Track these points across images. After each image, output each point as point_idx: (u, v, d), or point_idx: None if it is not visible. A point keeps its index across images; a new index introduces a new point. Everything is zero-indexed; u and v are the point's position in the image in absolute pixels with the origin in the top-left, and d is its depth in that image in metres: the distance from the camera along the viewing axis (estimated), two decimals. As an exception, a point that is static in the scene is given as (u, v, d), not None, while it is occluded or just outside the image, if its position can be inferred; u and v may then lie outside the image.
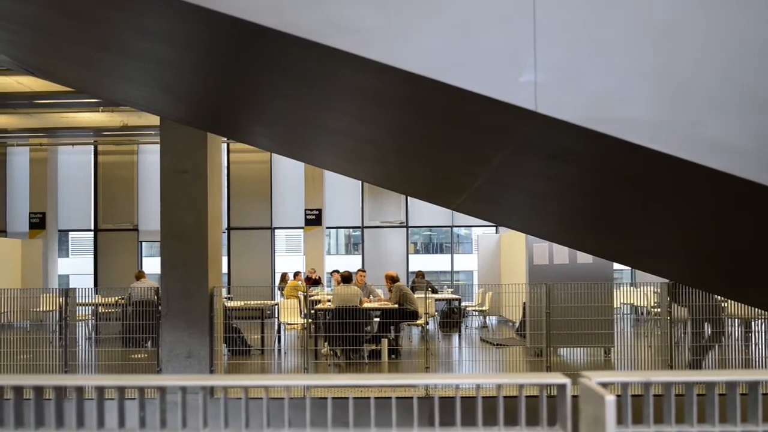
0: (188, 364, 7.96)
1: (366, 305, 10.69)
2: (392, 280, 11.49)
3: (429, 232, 22.38)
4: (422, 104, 2.04)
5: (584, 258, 10.84)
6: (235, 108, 3.12)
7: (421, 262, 20.29)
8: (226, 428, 1.74)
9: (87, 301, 13.13)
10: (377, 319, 10.92)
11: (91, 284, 18.78)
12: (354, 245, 22.49)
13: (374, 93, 2.12)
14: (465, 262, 21.39)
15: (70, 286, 19.58)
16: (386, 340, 10.34)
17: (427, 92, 1.87)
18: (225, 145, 18.15)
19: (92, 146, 19.19)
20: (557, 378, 1.35)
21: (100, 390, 1.72)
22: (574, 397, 1.61)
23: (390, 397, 1.81)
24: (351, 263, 19.82)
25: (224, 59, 2.44)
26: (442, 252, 22.47)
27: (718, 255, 2.86)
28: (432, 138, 2.54)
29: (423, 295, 10.75)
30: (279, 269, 19.15)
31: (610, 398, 1.16)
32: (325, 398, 1.76)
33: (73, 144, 18.83)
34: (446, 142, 2.54)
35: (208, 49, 2.42)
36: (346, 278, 11.04)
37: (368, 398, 1.78)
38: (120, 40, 2.89)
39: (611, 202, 2.56)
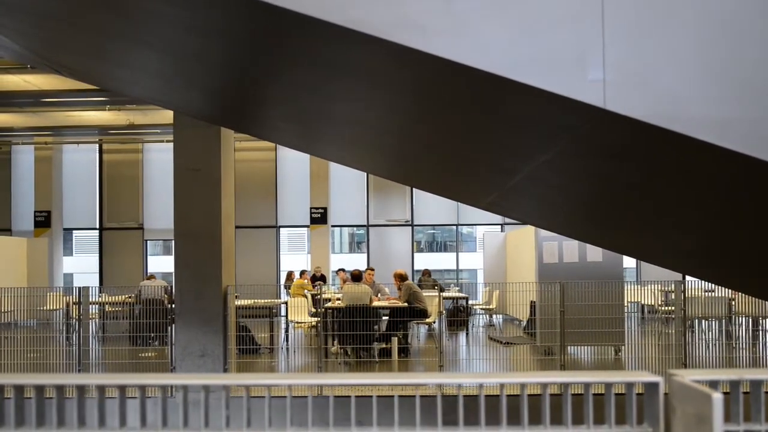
0: (202, 363, 7.95)
1: (375, 303, 10.69)
2: (401, 278, 11.49)
3: (432, 231, 22.37)
4: (484, 102, 2.04)
5: (594, 256, 10.84)
6: (276, 105, 3.12)
7: (425, 261, 20.29)
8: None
9: (93, 299, 13.11)
10: (386, 318, 10.92)
11: (96, 283, 18.76)
12: (357, 244, 22.48)
13: (435, 91, 2.11)
14: (469, 260, 21.39)
15: (75, 285, 19.61)
16: (396, 338, 10.33)
17: (493, 90, 1.86)
18: (230, 143, 18.12)
19: (97, 145, 19.17)
20: (647, 376, 1.34)
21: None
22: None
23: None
24: (355, 261, 19.83)
25: (271, 55, 2.43)
26: (445, 250, 22.47)
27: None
28: (482, 136, 2.53)
29: (435, 294, 10.74)
30: (283, 267, 19.15)
31: (718, 396, 1.15)
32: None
33: (78, 143, 18.81)
34: (496, 140, 2.53)
35: (258, 46, 2.42)
36: (356, 277, 11.04)
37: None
38: (160, 35, 2.88)
39: (663, 200, 2.55)
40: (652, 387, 1.34)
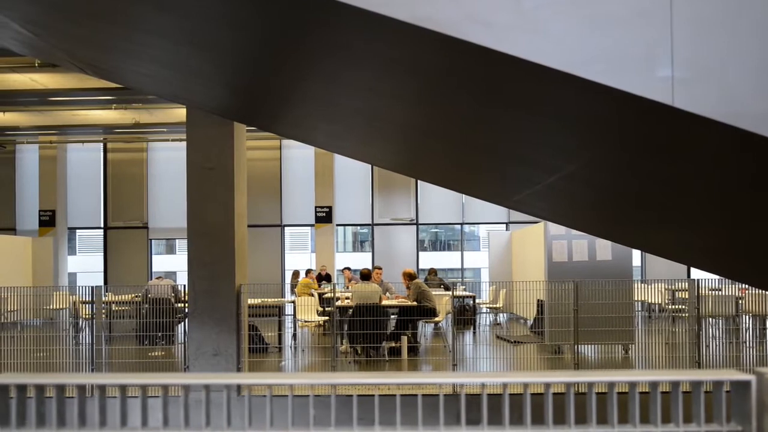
0: (215, 362, 7.93)
1: (385, 302, 10.70)
2: (410, 277, 11.50)
3: (436, 230, 22.36)
4: (547, 100, 2.03)
5: (603, 255, 10.85)
6: (318, 105, 3.11)
7: (430, 259, 20.29)
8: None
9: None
10: (394, 317, 10.92)
11: (100, 282, 18.73)
12: (361, 242, 22.48)
13: (503, 91, 2.11)
14: (472, 259, 21.39)
15: (78, 284, 19.57)
16: (406, 337, 10.33)
17: (559, 88, 1.85)
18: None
19: (102, 144, 19.14)
20: (739, 375, 1.34)
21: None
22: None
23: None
24: (359, 260, 19.83)
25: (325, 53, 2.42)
26: (449, 249, 22.46)
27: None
28: (534, 135, 2.53)
29: (448, 293, 10.74)
30: (287, 267, 19.14)
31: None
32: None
33: (83, 142, 18.77)
34: (548, 137, 2.52)
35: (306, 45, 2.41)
36: (366, 276, 11.05)
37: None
38: (198, 31, 2.87)
39: (721, 199, 2.54)
40: (742, 385, 1.33)
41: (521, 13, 1.76)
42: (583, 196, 3.33)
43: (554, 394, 1.74)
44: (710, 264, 4.10)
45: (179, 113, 15.31)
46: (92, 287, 8.91)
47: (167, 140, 17.94)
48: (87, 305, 11.74)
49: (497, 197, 4.47)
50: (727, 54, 1.80)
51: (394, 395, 1.78)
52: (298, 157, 19.13)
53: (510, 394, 1.70)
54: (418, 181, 18.95)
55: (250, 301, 11.55)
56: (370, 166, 18.94)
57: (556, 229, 10.94)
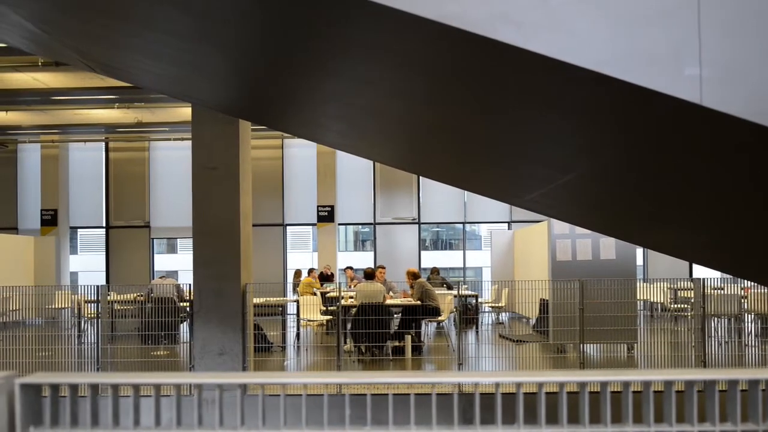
0: (221, 362, 7.93)
1: (389, 302, 10.70)
2: (414, 276, 11.51)
3: (437, 229, 22.36)
4: (569, 98, 2.03)
5: (607, 254, 10.86)
6: (336, 103, 3.10)
7: (431, 259, 20.29)
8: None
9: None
10: (397, 316, 10.93)
11: (102, 281, 18.72)
12: (362, 242, 22.47)
13: (532, 91, 2.10)
14: (474, 258, 21.40)
15: (80, 283, 19.56)
16: (410, 336, 10.34)
17: (586, 87, 1.85)
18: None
19: (103, 143, 19.12)
20: (776, 374, 1.33)
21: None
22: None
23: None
24: (361, 259, 19.83)
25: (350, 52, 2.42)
26: (451, 248, 22.47)
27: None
28: (554, 133, 2.52)
29: (451, 292, 10.74)
30: (290, 266, 19.14)
31: None
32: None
33: (84, 141, 18.76)
34: (568, 136, 2.52)
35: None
36: (369, 275, 11.05)
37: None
38: (213, 28, 2.87)
39: (745, 199, 2.53)
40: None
41: (549, 11, 1.76)
42: (598, 195, 3.33)
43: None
44: (728, 263, 4.09)
45: (181, 112, 15.30)
46: (98, 287, 8.89)
47: (169, 139, 17.92)
48: (90, 304, 11.75)
49: (510, 196, 4.46)
50: (756, 52, 1.80)
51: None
52: (300, 156, 19.13)
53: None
54: (420, 180, 18.95)
55: (254, 301, 11.55)
56: (372, 165, 18.94)
57: (560, 228, 10.95)
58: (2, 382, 1.29)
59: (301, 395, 1.69)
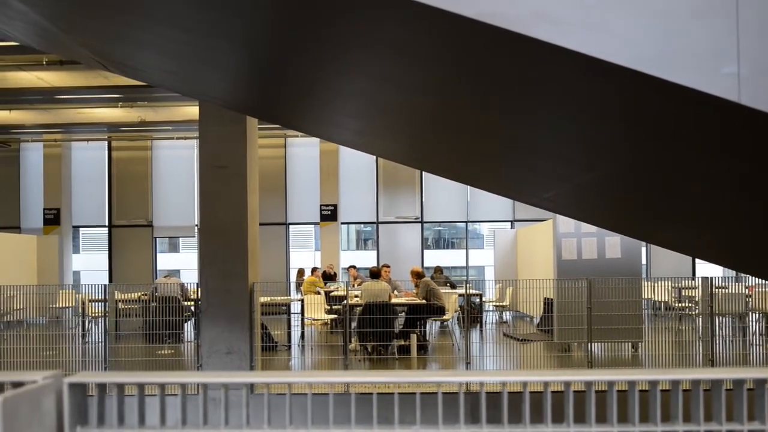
0: (229, 360, 7.92)
1: (394, 300, 10.70)
2: (418, 275, 11.51)
3: (439, 228, 22.35)
4: (600, 97, 2.02)
5: (613, 253, 10.85)
6: (357, 102, 3.09)
7: (434, 257, 20.28)
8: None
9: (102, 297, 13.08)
10: (402, 315, 10.92)
11: (105, 280, 18.70)
12: (365, 241, 22.47)
13: (569, 91, 2.09)
14: (477, 256, 21.39)
15: (82, 283, 19.53)
16: (415, 335, 10.34)
17: (623, 86, 1.84)
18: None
19: (106, 142, 19.10)
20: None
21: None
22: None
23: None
24: (364, 258, 19.81)
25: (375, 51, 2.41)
26: (453, 247, 22.46)
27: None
28: (585, 133, 2.51)
29: (455, 291, 10.74)
30: (293, 265, 19.13)
31: None
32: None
33: (87, 140, 18.74)
34: (595, 135, 2.51)
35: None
36: (375, 274, 11.05)
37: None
38: (231, 24, 2.86)
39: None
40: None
41: (586, 8, 1.75)
42: (620, 194, 3.32)
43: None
44: (750, 262, 4.08)
45: (184, 111, 15.29)
46: (105, 286, 8.89)
47: (172, 138, 17.90)
48: (94, 303, 11.74)
49: (527, 195, 4.45)
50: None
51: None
52: (303, 155, 19.11)
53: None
54: (423, 179, 18.94)
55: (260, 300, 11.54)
56: (375, 164, 18.93)
57: (565, 226, 10.94)
58: (50, 381, 1.29)
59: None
